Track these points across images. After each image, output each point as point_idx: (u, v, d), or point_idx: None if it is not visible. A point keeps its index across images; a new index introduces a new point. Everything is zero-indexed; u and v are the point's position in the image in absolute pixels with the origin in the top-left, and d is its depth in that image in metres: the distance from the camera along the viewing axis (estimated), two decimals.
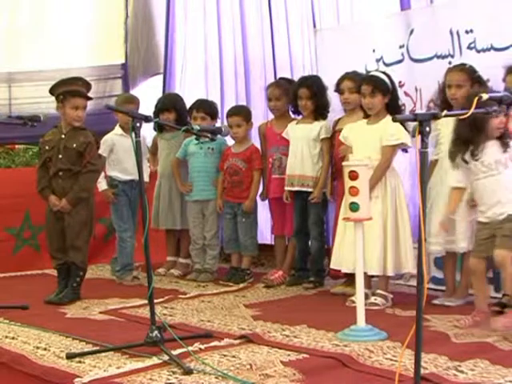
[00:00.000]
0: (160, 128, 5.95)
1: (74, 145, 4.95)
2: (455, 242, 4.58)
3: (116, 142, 5.65)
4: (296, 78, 5.82)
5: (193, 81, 7.17)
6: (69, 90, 4.94)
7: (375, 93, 4.68)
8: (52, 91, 5.01)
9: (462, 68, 4.65)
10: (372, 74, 4.88)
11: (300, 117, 5.51)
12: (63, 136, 4.98)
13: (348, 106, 5.18)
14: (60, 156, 4.94)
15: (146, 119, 3.76)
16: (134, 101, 5.78)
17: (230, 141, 5.86)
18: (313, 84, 5.35)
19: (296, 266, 5.54)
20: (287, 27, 6.40)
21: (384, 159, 4.64)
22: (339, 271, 4.92)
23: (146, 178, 5.88)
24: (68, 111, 4.94)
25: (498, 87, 4.43)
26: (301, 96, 5.34)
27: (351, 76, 5.15)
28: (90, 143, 5.00)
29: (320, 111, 5.34)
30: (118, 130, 5.72)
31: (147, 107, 6.68)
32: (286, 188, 5.41)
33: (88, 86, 5.10)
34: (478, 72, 4.58)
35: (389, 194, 4.64)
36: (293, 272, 5.55)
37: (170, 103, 6.01)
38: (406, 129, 4.61)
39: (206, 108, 5.82)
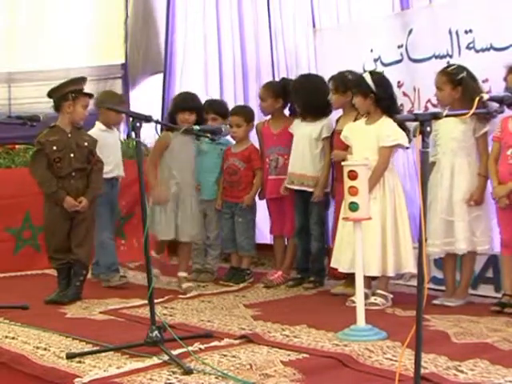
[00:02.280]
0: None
1: (86, 143, 5.01)
2: (454, 243, 4.58)
3: (100, 137, 5.34)
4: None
5: (193, 81, 7.17)
6: (80, 88, 5.00)
7: (355, 93, 4.77)
8: (59, 90, 4.98)
9: (443, 70, 4.68)
10: (362, 74, 4.90)
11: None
12: (69, 135, 4.99)
13: (333, 106, 5.25)
14: (72, 155, 4.94)
15: (146, 119, 3.75)
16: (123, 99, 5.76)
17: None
18: (300, 80, 5.38)
19: (299, 266, 5.53)
20: (283, 27, 6.40)
21: (381, 160, 4.63)
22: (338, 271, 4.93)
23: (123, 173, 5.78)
24: (79, 109, 4.98)
25: (498, 87, 4.44)
26: None
27: (335, 76, 5.18)
28: (96, 141, 5.11)
29: (318, 109, 5.33)
30: (100, 125, 5.56)
31: (147, 107, 6.71)
32: (287, 185, 5.40)
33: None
34: (464, 74, 4.57)
35: (387, 195, 4.63)
36: (296, 273, 5.53)
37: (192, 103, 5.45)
38: (406, 128, 4.61)
39: (217, 108, 5.76)
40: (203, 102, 5.71)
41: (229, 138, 5.74)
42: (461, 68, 4.62)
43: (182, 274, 5.44)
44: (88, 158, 5.01)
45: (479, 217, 4.60)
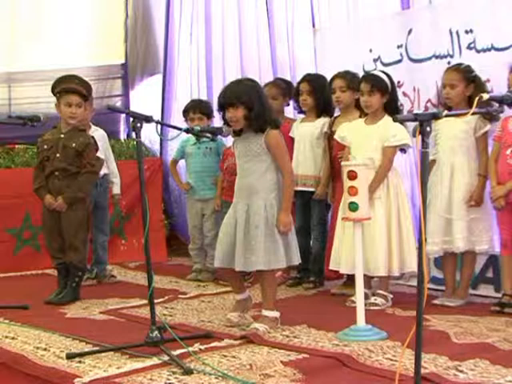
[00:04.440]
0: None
1: (74, 144, 4.95)
2: (452, 241, 4.58)
3: None
4: (294, 78, 5.83)
5: (193, 81, 7.18)
6: (62, 87, 4.97)
7: (374, 91, 4.67)
8: (52, 90, 5.04)
9: (457, 68, 4.66)
10: (373, 72, 4.88)
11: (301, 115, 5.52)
12: (62, 135, 4.99)
13: (340, 104, 5.17)
14: (58, 155, 4.94)
15: (147, 119, 3.74)
16: None
17: (230, 141, 5.86)
18: (313, 79, 5.36)
19: (298, 265, 5.52)
20: (282, 27, 6.40)
21: (386, 160, 4.62)
22: (336, 272, 4.92)
23: (117, 190, 5.87)
24: (62, 108, 4.96)
25: (498, 87, 4.44)
26: (301, 91, 5.35)
27: (342, 75, 5.15)
28: (90, 144, 5.01)
29: (322, 108, 5.32)
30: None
31: (147, 107, 6.69)
32: None
33: (86, 85, 5.08)
34: (475, 72, 4.58)
35: (391, 194, 4.62)
36: (295, 274, 5.53)
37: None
38: (408, 127, 4.60)
39: (203, 108, 5.83)
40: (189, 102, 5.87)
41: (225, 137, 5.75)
42: (470, 66, 4.61)
43: (267, 313, 4.12)
44: (76, 160, 4.95)
45: (478, 216, 4.59)
